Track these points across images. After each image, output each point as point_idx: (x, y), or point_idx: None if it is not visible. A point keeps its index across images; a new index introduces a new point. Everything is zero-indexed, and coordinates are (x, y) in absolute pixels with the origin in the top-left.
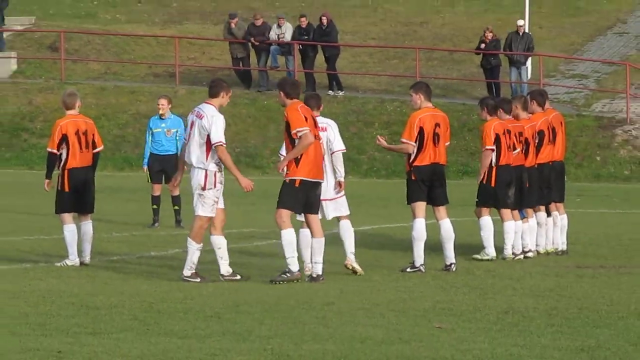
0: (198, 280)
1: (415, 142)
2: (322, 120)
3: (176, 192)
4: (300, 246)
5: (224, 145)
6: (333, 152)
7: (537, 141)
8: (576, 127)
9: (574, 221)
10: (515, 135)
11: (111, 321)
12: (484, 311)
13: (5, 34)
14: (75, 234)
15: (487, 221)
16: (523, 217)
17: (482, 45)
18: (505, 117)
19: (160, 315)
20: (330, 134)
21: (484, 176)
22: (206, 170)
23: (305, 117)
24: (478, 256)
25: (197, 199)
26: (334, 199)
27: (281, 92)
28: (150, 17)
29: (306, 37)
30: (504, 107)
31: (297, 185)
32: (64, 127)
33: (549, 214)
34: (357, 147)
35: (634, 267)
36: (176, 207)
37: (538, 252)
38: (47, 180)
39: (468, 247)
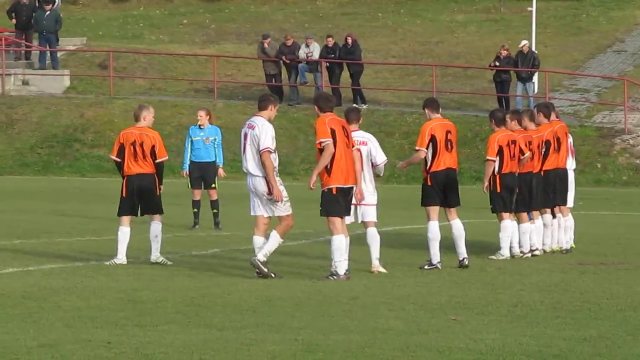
0: (267, 271)
1: (428, 149)
2: (362, 135)
3: (214, 197)
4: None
5: (269, 152)
6: (377, 165)
7: (543, 150)
8: (579, 137)
9: (577, 222)
10: (526, 144)
11: (156, 314)
12: (495, 305)
13: (59, 54)
14: (127, 236)
15: (506, 224)
16: (530, 218)
17: (497, 63)
18: (517, 128)
19: (200, 309)
20: (372, 147)
21: (490, 184)
22: (265, 177)
23: (332, 129)
24: (493, 257)
25: (268, 204)
26: (368, 205)
27: (315, 106)
28: (190, 38)
29: (333, 55)
30: (518, 119)
31: (334, 192)
32: (121, 137)
33: (554, 216)
34: None
35: (631, 264)
36: (215, 211)
37: (544, 251)
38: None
39: (481, 247)
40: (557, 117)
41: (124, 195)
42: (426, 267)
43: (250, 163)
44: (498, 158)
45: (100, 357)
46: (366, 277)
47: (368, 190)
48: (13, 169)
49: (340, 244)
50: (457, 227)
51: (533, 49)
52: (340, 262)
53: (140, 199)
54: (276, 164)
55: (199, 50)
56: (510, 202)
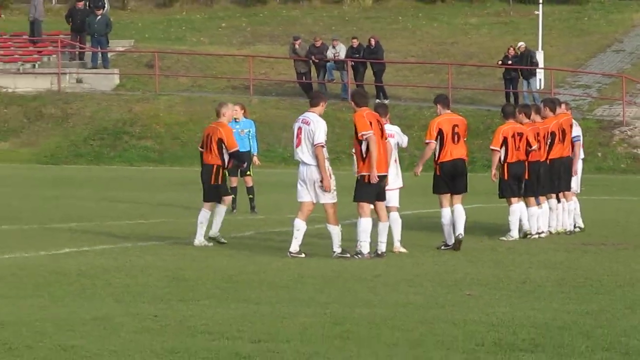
0: (348, 255)
1: (436, 141)
2: (390, 128)
3: (250, 184)
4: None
5: (322, 147)
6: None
7: (549, 141)
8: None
9: (580, 207)
10: (534, 136)
11: (197, 290)
12: (506, 281)
13: (109, 54)
14: (206, 219)
15: (515, 208)
16: (538, 203)
17: (501, 61)
18: (525, 121)
19: (238, 286)
20: (398, 138)
21: (500, 172)
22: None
23: (370, 122)
24: (504, 238)
25: (319, 192)
26: (392, 189)
27: (352, 102)
28: (228, 39)
29: (357, 55)
30: (526, 112)
31: (366, 180)
32: (204, 130)
33: (559, 201)
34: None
35: (630, 245)
36: (250, 196)
37: (550, 232)
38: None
39: (492, 229)
40: (568, 109)
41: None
42: (442, 247)
43: (305, 154)
44: (503, 148)
45: (148, 329)
46: (388, 257)
47: (392, 174)
48: (68, 159)
49: (366, 227)
50: (459, 210)
51: (540, 49)
52: (365, 243)
53: (202, 187)
54: (327, 155)
55: (236, 50)
56: (518, 188)
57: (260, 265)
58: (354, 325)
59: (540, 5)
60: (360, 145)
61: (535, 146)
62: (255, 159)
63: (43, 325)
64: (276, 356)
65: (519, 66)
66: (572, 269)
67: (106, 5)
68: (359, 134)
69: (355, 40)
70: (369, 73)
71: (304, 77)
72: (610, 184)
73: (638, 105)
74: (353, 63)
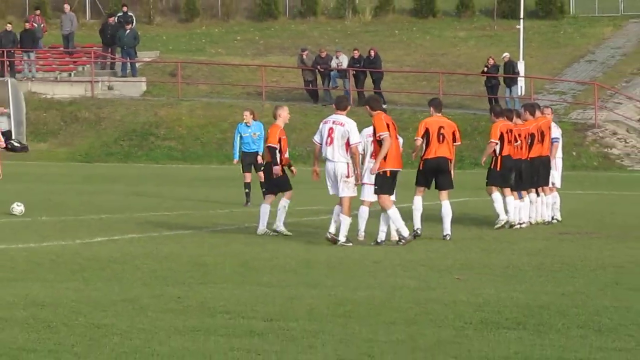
0: (350, 244)
1: (423, 139)
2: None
3: (262, 179)
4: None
5: (357, 145)
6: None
7: (529, 141)
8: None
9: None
10: (516, 136)
11: (216, 275)
12: (491, 267)
13: (137, 64)
14: (267, 212)
15: (497, 196)
16: (520, 197)
17: (485, 69)
18: (508, 123)
19: (252, 270)
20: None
21: (492, 163)
22: (348, 163)
23: (387, 124)
24: (497, 225)
25: (342, 185)
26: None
27: (367, 106)
28: (243, 51)
29: (358, 65)
30: (508, 115)
31: (388, 175)
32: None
33: (538, 195)
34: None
35: (601, 234)
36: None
37: (530, 223)
38: (275, 167)
39: (479, 220)
40: (552, 113)
41: (261, 180)
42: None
43: (336, 152)
44: (499, 142)
45: (171, 309)
46: (385, 245)
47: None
48: (100, 157)
49: (396, 214)
50: (446, 207)
51: (520, 59)
52: (403, 227)
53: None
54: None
55: (249, 61)
56: (509, 178)
57: (272, 252)
58: (356, 305)
59: (521, 20)
60: (379, 145)
61: (518, 142)
62: (259, 157)
63: (78, 305)
64: (286, 333)
65: (502, 75)
66: (550, 256)
67: (134, 21)
68: (377, 134)
69: (356, 52)
70: (368, 81)
71: (310, 85)
72: (583, 180)
73: (608, 110)
74: (354, 72)
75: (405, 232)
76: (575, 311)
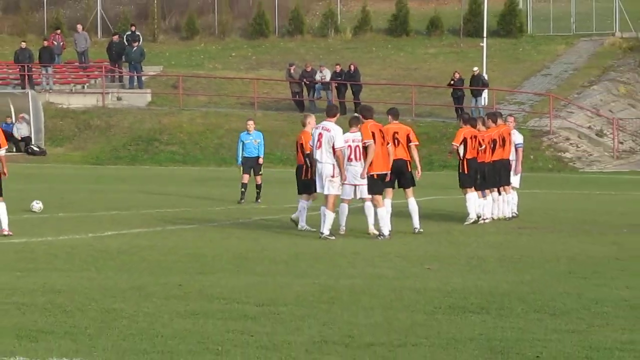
0: (333, 237)
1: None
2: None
3: (259, 182)
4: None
5: (342, 149)
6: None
7: (492, 146)
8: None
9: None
10: (480, 141)
11: (214, 265)
12: (458, 257)
13: (143, 78)
14: (305, 209)
15: (470, 196)
16: (484, 195)
17: (452, 82)
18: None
19: (246, 261)
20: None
21: (460, 167)
22: (333, 165)
23: (372, 132)
24: (467, 222)
25: (328, 184)
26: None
27: (360, 115)
28: (237, 66)
29: (340, 78)
30: (472, 123)
31: (375, 177)
32: (298, 137)
33: (499, 193)
34: None
35: (555, 229)
36: (257, 191)
37: (493, 219)
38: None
39: (447, 216)
40: (515, 121)
41: (301, 177)
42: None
43: (324, 155)
44: (463, 146)
45: (174, 295)
46: (364, 239)
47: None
48: (110, 160)
49: (383, 214)
50: (412, 204)
51: (484, 73)
52: (385, 226)
53: (297, 182)
54: (345, 155)
55: (243, 74)
56: (475, 179)
57: (264, 245)
58: (338, 293)
59: (485, 39)
60: (366, 150)
61: (483, 146)
62: (260, 159)
63: (91, 292)
64: (276, 317)
65: (469, 87)
66: (510, 248)
67: (141, 39)
68: (363, 142)
69: (338, 66)
70: (349, 92)
71: (297, 96)
72: (540, 181)
73: (562, 118)
74: (336, 84)
75: (386, 231)
76: (532, 297)
